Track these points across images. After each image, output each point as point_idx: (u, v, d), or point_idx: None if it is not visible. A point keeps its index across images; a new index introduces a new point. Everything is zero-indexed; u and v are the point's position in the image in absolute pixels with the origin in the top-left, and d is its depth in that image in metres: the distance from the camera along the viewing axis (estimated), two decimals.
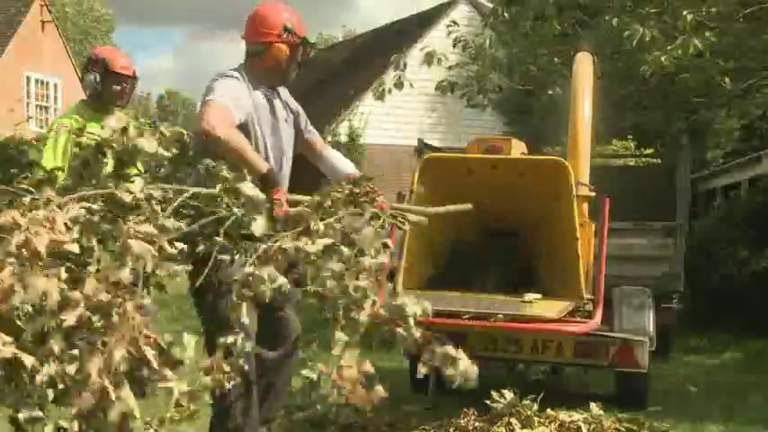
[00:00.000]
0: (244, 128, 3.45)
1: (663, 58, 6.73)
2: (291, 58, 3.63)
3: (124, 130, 2.54)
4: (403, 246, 4.75)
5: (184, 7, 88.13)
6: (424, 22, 22.59)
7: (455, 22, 9.28)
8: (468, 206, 3.50)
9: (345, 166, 3.82)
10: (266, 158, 3.50)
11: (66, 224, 2.13)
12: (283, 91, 3.79)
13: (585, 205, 4.86)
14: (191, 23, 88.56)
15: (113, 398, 1.90)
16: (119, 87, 4.84)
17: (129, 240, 2.14)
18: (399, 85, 8.75)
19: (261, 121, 3.57)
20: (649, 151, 8.11)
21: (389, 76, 9.72)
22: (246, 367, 2.73)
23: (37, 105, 27.16)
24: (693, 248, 7.40)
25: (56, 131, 4.75)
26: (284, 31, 3.57)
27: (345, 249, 2.43)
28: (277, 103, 3.70)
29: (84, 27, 42.19)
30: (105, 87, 4.81)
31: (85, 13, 42.97)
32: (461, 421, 4.13)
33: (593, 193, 4.89)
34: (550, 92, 8.67)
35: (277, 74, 3.66)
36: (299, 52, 3.64)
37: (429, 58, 8.48)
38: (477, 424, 4.07)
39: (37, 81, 27.31)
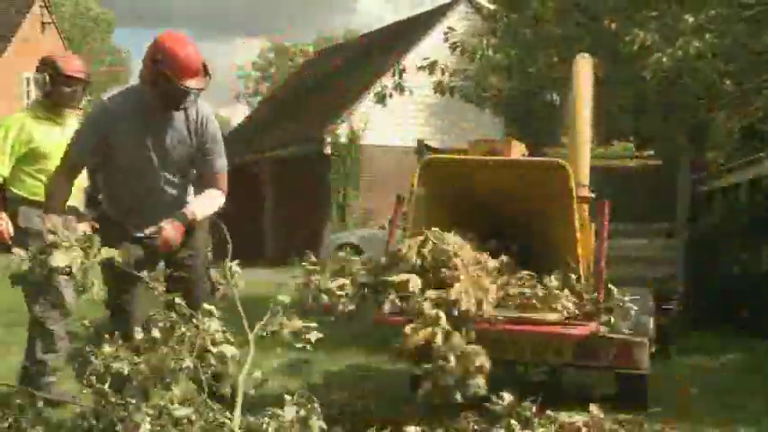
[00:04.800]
0: None
1: (664, 59, 6.74)
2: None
3: None
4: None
5: (186, 8, 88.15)
6: (423, 23, 22.60)
7: (451, 28, 9.28)
8: None
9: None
10: None
11: None
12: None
13: (585, 207, 4.87)
14: (192, 25, 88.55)
15: None
16: (69, 90, 4.93)
17: None
18: (401, 89, 8.77)
19: None
20: (650, 153, 8.12)
21: (389, 80, 9.74)
22: None
23: None
24: (693, 249, 7.41)
25: (4, 131, 4.88)
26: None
27: None
28: None
29: (83, 27, 42.14)
30: (55, 89, 4.91)
31: (83, 13, 42.92)
32: (461, 422, 4.14)
33: (593, 195, 4.90)
34: (548, 97, 8.69)
35: None
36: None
37: (432, 67, 8.51)
38: (476, 426, 4.08)
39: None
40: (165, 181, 4.03)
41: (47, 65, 4.94)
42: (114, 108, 3.93)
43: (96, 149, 3.96)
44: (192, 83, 3.81)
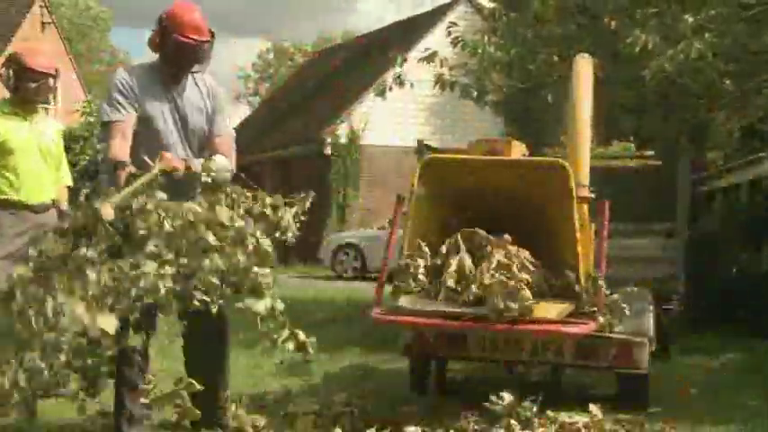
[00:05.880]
0: None
1: (666, 65, 6.74)
2: None
3: None
4: (403, 246, 4.76)
5: None
6: (423, 23, 22.62)
7: (454, 23, 9.26)
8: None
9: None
10: None
11: None
12: None
13: (585, 207, 4.87)
14: None
15: None
16: (35, 84, 4.93)
17: None
18: (401, 81, 8.74)
19: None
20: (650, 153, 8.15)
21: (390, 75, 9.72)
22: None
23: None
24: (693, 249, 7.41)
25: None
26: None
27: None
28: None
29: (82, 27, 42.14)
30: (20, 84, 4.92)
31: (82, 12, 42.92)
32: (461, 422, 4.14)
33: (593, 195, 4.90)
34: (548, 96, 8.67)
35: None
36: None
37: (431, 58, 8.47)
38: (476, 426, 4.08)
39: None
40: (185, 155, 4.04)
41: (11, 61, 4.97)
42: (139, 74, 4.01)
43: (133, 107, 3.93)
44: (194, 36, 3.93)
